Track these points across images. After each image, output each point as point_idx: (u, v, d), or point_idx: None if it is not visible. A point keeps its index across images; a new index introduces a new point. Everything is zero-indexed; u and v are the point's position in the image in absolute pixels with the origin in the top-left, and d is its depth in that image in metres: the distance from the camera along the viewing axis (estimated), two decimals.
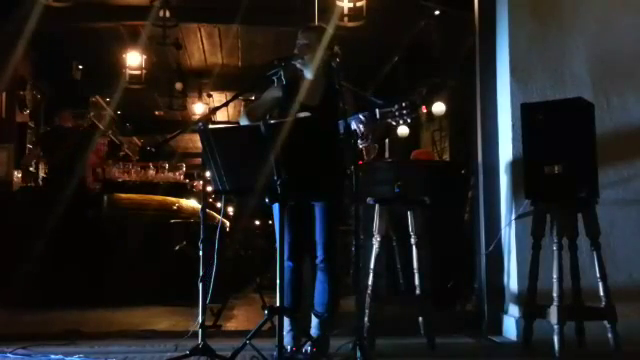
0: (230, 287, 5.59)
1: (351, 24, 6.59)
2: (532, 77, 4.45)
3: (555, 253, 3.74)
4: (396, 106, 3.45)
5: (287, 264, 3.49)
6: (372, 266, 3.99)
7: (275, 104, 3.69)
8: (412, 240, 4.02)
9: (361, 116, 3.47)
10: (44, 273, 6.00)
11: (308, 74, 3.69)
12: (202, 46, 9.80)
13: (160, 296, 6.27)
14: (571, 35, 4.51)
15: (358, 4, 6.56)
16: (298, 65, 3.66)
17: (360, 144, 3.54)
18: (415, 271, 4.02)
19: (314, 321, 3.61)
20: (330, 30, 3.74)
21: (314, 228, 3.60)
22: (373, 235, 4.01)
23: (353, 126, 3.45)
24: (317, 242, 3.59)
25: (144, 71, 9.07)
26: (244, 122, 3.71)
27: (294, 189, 3.07)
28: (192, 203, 7.55)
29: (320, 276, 3.61)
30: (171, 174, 8.94)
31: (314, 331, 3.58)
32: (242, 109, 12.47)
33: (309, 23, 4.04)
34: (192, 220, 6.75)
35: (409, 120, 3.46)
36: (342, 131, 3.39)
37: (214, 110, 4.00)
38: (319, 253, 3.58)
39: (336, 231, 3.75)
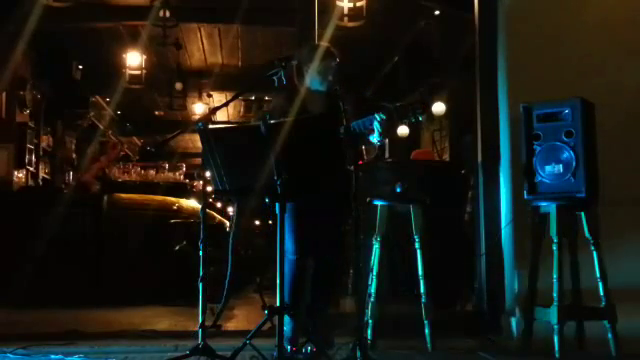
0: (230, 287, 5.60)
1: (351, 24, 6.59)
2: (532, 77, 4.44)
3: (555, 253, 3.74)
4: (410, 104, 3.56)
5: (292, 257, 3.58)
6: (372, 266, 3.99)
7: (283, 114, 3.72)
8: (412, 240, 4.01)
9: (378, 116, 3.53)
10: (44, 273, 5.99)
11: (322, 87, 3.79)
12: (202, 46, 9.79)
13: (160, 296, 6.27)
14: (571, 34, 4.50)
15: (358, 4, 6.57)
16: (313, 84, 3.76)
17: (379, 142, 3.62)
18: (416, 271, 4.01)
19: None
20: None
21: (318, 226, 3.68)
22: (373, 235, 4.01)
23: (375, 126, 3.52)
24: (321, 240, 3.65)
25: (144, 71, 9.08)
26: None
27: (294, 189, 3.08)
28: (192, 203, 7.55)
29: (319, 272, 3.69)
30: (171, 174, 8.95)
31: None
32: (242, 109, 12.51)
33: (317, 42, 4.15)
34: (192, 220, 6.75)
35: (421, 118, 3.53)
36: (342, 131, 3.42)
37: (214, 110, 4.00)
38: (323, 251, 3.63)
39: (341, 230, 3.91)
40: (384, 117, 3.52)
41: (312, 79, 3.79)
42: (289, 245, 3.53)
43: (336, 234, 3.84)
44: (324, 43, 4.05)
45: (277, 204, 3.13)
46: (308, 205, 3.57)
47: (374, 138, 3.61)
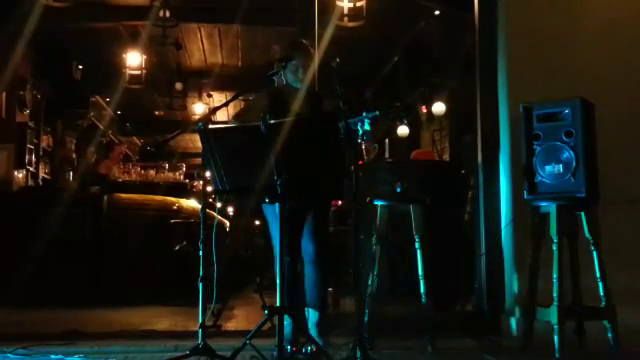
0: (230, 287, 5.60)
1: (351, 24, 6.59)
2: (532, 77, 4.44)
3: (555, 253, 3.74)
4: (397, 105, 3.56)
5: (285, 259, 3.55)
6: (372, 266, 3.99)
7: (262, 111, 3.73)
8: (412, 240, 4.01)
9: (368, 117, 3.53)
10: (44, 273, 6.00)
11: (297, 85, 3.81)
12: (202, 46, 9.80)
13: (160, 296, 6.27)
14: (571, 34, 4.50)
15: (358, 4, 6.57)
16: (289, 80, 3.79)
17: (365, 142, 3.64)
18: (416, 271, 4.01)
19: (312, 316, 3.65)
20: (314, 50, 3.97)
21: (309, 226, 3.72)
22: (373, 235, 4.01)
23: (366, 127, 3.53)
24: (311, 239, 3.66)
25: (144, 71, 9.08)
26: None
27: (294, 189, 3.08)
28: (192, 203, 7.55)
29: (313, 272, 3.72)
30: (171, 174, 8.95)
31: (312, 328, 3.64)
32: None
33: (297, 39, 4.15)
34: (192, 220, 6.75)
35: (405, 120, 3.56)
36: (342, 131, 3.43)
37: (214, 110, 4.00)
38: (312, 250, 3.65)
39: (328, 228, 3.99)
40: (371, 117, 3.53)
41: (289, 76, 3.82)
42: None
43: (325, 233, 3.88)
44: (303, 41, 4.07)
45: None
46: (298, 205, 3.58)
47: (357, 137, 3.62)
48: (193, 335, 3.47)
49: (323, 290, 3.83)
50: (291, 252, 3.59)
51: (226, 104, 4.09)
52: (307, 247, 3.73)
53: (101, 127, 11.82)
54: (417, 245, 3.98)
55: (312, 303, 3.72)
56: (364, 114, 3.53)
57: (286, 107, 3.67)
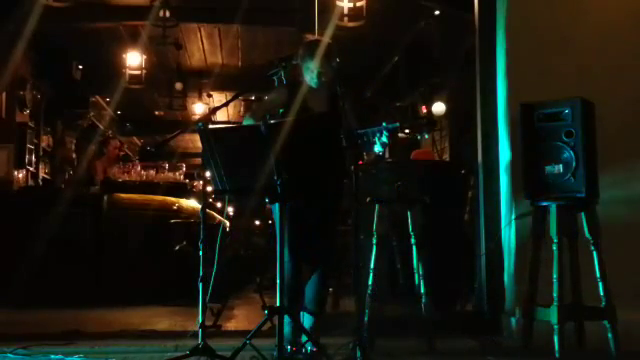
0: (230, 287, 5.61)
1: (351, 24, 6.59)
2: (532, 77, 4.44)
3: (555, 253, 3.74)
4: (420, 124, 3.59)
5: (289, 262, 3.54)
6: (372, 266, 3.99)
7: (280, 108, 3.70)
8: (412, 240, 4.02)
9: (388, 128, 3.53)
10: (44, 273, 6.00)
11: (314, 84, 3.75)
12: (202, 46, 9.80)
13: (160, 296, 6.27)
14: (571, 34, 4.50)
15: (358, 4, 6.57)
16: (307, 80, 3.74)
17: (380, 152, 3.64)
18: (415, 271, 4.02)
19: (308, 319, 3.65)
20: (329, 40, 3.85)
21: (313, 228, 3.66)
22: (373, 235, 4.02)
23: (383, 139, 3.52)
24: (321, 246, 3.65)
25: (144, 71, 9.09)
26: (249, 123, 3.75)
27: (294, 189, 3.08)
28: (192, 203, 7.55)
29: (316, 276, 3.70)
30: (171, 174, 8.93)
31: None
32: (242, 109, 12.53)
33: (311, 38, 4.10)
34: (192, 220, 6.75)
35: (427, 135, 3.55)
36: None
37: (214, 110, 4.00)
38: (318, 254, 3.63)
39: (335, 232, 3.89)
40: (391, 129, 3.52)
41: (306, 76, 3.76)
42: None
43: (330, 235, 3.85)
44: (316, 38, 4.02)
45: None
46: (301, 206, 3.56)
47: (376, 147, 3.60)
48: (190, 335, 3.47)
49: (323, 297, 3.83)
50: (292, 253, 3.57)
51: (226, 104, 4.09)
52: (317, 253, 3.71)
53: (101, 127, 11.83)
54: (412, 241, 3.98)
55: (310, 307, 3.70)
56: (384, 124, 3.51)
57: (304, 105, 3.66)
